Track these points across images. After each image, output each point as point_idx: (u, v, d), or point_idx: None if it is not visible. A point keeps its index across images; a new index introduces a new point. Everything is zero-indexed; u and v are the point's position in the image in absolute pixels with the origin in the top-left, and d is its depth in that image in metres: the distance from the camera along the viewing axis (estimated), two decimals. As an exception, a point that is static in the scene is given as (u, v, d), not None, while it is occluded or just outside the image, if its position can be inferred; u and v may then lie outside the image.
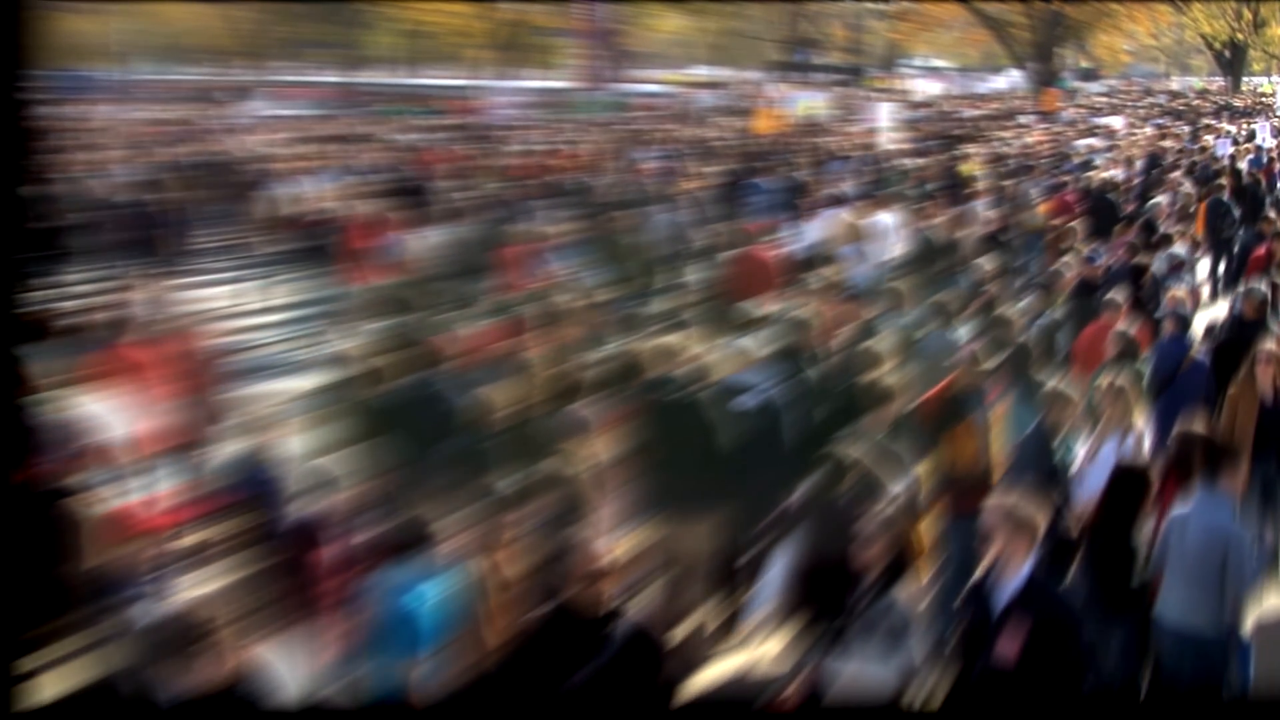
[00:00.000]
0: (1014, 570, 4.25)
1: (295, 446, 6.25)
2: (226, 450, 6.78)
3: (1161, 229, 11.91)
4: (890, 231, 12.60)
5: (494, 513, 5.08)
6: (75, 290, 9.65)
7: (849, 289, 9.31)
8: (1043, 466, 6.00)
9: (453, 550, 4.86)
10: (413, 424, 6.40)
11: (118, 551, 5.42)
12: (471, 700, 4.46)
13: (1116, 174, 18.01)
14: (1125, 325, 7.89)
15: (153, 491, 6.78)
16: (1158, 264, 10.32)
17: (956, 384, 6.54)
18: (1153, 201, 13.95)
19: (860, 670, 4.48)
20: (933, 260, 11.34)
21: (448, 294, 9.54)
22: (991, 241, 11.92)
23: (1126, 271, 10.10)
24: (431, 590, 4.69)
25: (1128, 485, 5.64)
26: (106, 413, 6.73)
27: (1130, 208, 14.46)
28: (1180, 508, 5.35)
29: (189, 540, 5.90)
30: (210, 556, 5.80)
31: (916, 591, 4.73)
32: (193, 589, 5.59)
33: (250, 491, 5.70)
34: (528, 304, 8.51)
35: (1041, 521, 4.35)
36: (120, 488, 6.21)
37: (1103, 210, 14.11)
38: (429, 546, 4.80)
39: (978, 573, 4.47)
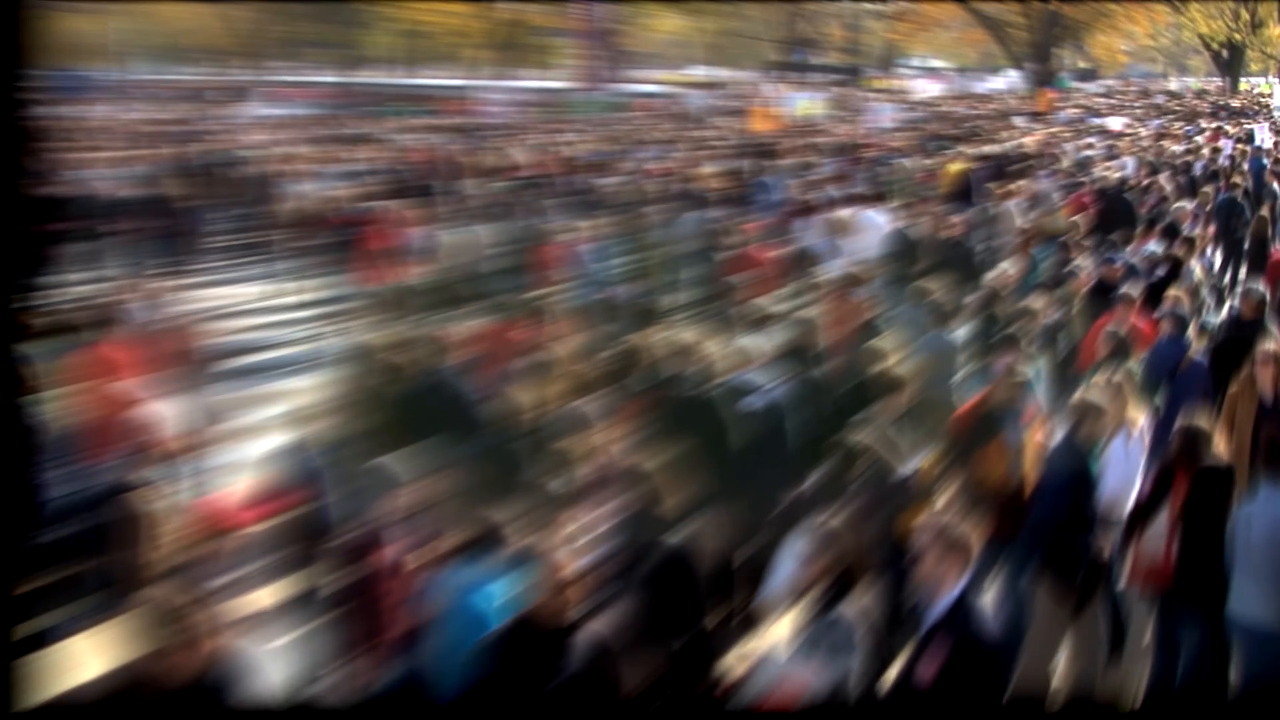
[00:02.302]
0: (944, 591, 4.16)
1: (328, 439, 6.25)
2: (266, 444, 6.71)
3: (1185, 232, 11.79)
4: (878, 228, 12.71)
5: (558, 509, 5.04)
6: (78, 289, 9.66)
7: (854, 285, 9.33)
8: (1074, 481, 5.83)
9: (518, 548, 4.81)
10: (435, 416, 6.41)
11: (199, 547, 5.37)
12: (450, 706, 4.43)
13: (1128, 174, 18.05)
14: (1115, 325, 7.91)
15: (198, 487, 6.79)
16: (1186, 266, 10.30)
17: (991, 399, 6.29)
18: (1177, 205, 13.92)
19: (794, 676, 4.38)
20: (911, 257, 11.39)
21: (474, 291, 9.54)
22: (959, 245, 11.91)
23: (1145, 271, 10.09)
24: (499, 589, 4.64)
25: (1213, 483, 5.52)
26: (164, 408, 6.79)
27: (1144, 208, 14.44)
28: (1246, 504, 5.34)
29: (263, 536, 5.81)
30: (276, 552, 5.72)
31: (865, 605, 4.58)
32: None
33: (305, 485, 5.70)
34: (551, 300, 8.55)
35: (976, 543, 4.25)
36: (172, 482, 6.23)
37: (1117, 210, 14.16)
38: (496, 545, 4.76)
39: (912, 591, 4.41)
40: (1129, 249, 11.28)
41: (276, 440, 6.30)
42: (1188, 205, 13.87)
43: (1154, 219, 12.95)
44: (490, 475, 5.72)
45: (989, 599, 4.30)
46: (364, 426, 6.52)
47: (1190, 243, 10.82)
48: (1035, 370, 7.37)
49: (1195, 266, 10.39)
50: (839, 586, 4.50)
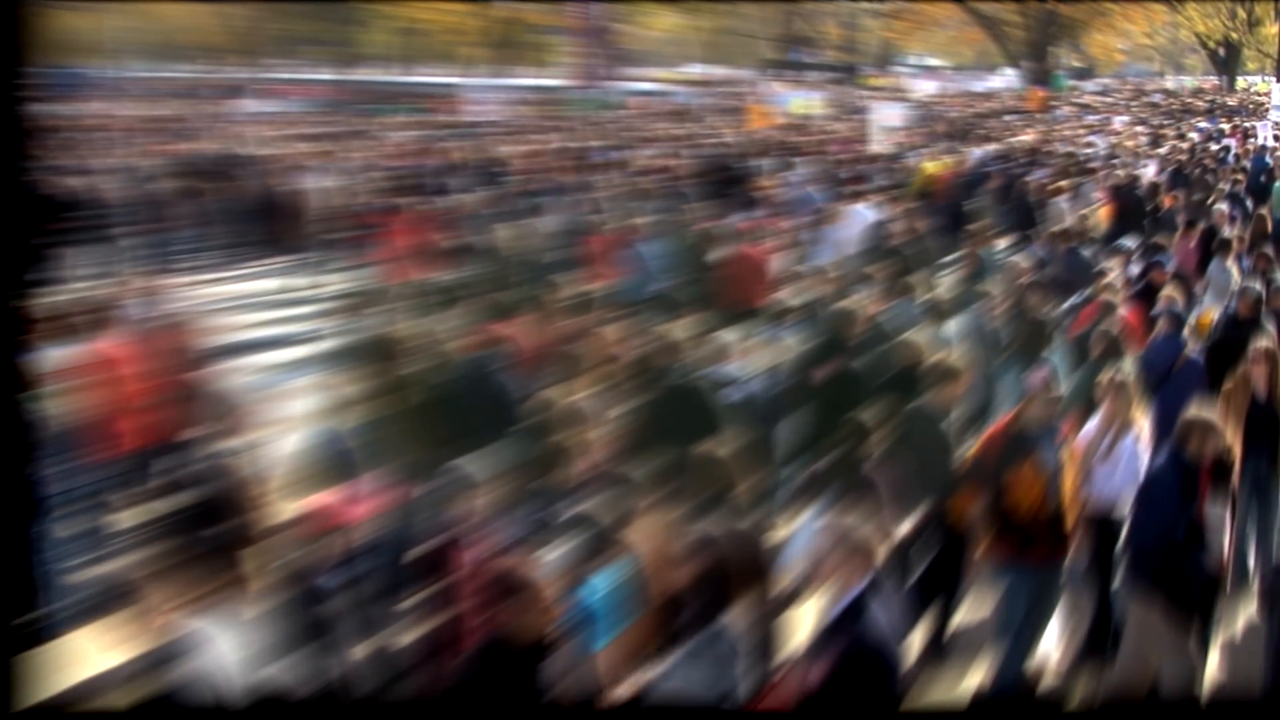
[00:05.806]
0: (842, 595, 4.11)
1: (365, 428, 6.24)
2: (299, 435, 6.66)
3: (1223, 235, 11.72)
4: (863, 220, 12.83)
5: (642, 498, 5.01)
6: (78, 288, 9.64)
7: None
8: (1184, 498, 5.41)
9: (619, 540, 4.75)
10: (475, 408, 6.49)
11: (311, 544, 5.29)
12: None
13: (1147, 172, 18.16)
14: (1108, 324, 7.92)
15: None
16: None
17: (1022, 417, 5.83)
18: (1216, 207, 13.95)
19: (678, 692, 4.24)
20: (892, 251, 11.45)
21: (528, 282, 9.52)
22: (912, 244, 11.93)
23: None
24: (602, 582, 4.59)
25: None
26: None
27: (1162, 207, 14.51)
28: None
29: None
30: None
31: (746, 616, 4.41)
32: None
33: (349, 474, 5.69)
34: (603, 294, 8.68)
35: (878, 547, 4.17)
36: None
37: (1129, 207, 14.20)
38: (597, 539, 4.69)
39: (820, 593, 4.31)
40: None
41: (310, 429, 6.29)
42: (1225, 207, 13.87)
43: (1192, 220, 12.92)
44: (540, 469, 5.65)
45: (891, 607, 4.22)
46: (402, 416, 6.53)
47: (1227, 245, 10.84)
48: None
49: (1233, 268, 10.44)
50: (718, 595, 4.37)
